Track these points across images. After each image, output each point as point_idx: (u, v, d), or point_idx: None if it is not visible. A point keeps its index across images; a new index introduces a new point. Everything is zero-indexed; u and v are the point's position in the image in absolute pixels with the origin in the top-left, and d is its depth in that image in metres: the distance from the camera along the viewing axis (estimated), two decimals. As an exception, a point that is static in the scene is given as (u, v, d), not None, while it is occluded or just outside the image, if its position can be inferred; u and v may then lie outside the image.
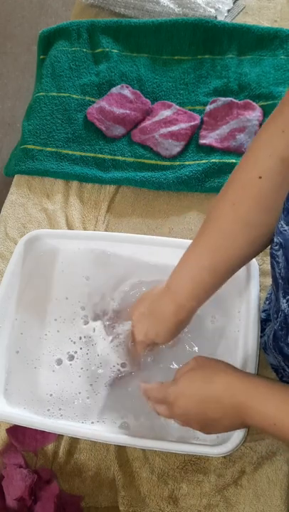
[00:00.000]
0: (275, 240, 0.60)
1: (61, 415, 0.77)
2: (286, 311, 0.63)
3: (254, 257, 0.69)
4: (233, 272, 0.69)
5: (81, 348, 0.83)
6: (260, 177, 0.60)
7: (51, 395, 0.79)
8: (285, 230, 0.58)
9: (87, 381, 0.80)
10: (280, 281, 0.63)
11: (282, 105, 0.60)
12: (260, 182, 0.60)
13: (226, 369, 0.62)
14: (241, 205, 0.63)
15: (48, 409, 0.78)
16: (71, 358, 0.82)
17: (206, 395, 0.61)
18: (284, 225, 0.58)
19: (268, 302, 0.83)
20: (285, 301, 0.63)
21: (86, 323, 0.85)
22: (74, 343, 0.84)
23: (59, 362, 0.82)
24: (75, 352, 0.83)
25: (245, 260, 0.68)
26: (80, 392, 0.79)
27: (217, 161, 1.01)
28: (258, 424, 0.58)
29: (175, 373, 0.68)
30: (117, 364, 0.78)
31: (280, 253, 0.60)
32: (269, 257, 0.65)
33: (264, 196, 0.61)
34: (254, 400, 0.57)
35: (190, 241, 0.70)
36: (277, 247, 0.61)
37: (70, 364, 0.82)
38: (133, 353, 0.77)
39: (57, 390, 0.80)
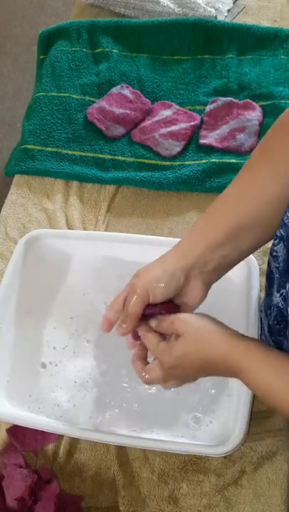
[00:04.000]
0: (277, 233, 0.60)
1: (61, 416, 0.77)
2: (280, 304, 0.63)
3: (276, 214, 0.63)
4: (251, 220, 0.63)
5: (81, 346, 0.83)
6: None
7: (51, 394, 0.80)
8: None
9: (88, 380, 0.80)
10: (277, 275, 0.63)
11: None
12: None
13: (219, 339, 0.61)
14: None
15: (48, 409, 0.78)
16: (71, 357, 0.82)
17: (204, 366, 0.62)
18: None
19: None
20: (278, 295, 0.63)
21: (82, 319, 0.85)
22: (74, 341, 0.84)
23: (59, 361, 0.82)
24: (75, 351, 0.83)
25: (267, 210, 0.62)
26: (79, 391, 0.79)
27: (217, 160, 1.01)
28: (252, 390, 0.62)
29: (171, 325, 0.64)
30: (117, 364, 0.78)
31: (279, 247, 0.60)
32: (268, 256, 0.65)
33: None
34: (248, 370, 0.58)
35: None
36: (277, 241, 0.61)
37: (70, 363, 0.82)
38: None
39: (57, 389, 0.80)
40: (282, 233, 0.59)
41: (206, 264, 0.64)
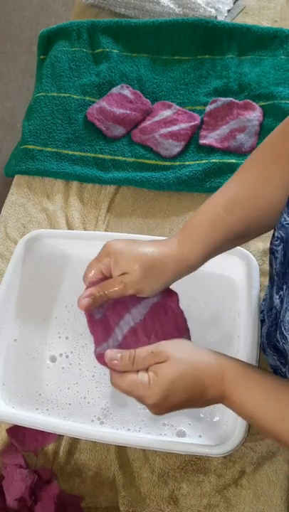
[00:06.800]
0: (276, 234, 0.61)
1: (64, 417, 0.77)
2: (278, 307, 0.63)
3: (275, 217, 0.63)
4: (253, 217, 0.62)
5: (83, 347, 0.83)
6: None
7: (50, 394, 0.80)
8: (288, 224, 0.58)
9: (88, 380, 0.80)
10: (275, 277, 0.63)
11: None
12: None
13: (203, 372, 0.58)
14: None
15: (47, 409, 0.78)
16: (72, 357, 0.82)
17: (194, 392, 0.58)
18: (287, 218, 0.58)
19: (264, 303, 0.83)
20: (277, 296, 0.63)
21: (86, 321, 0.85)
22: (74, 341, 0.84)
23: (59, 362, 0.82)
24: (76, 351, 0.83)
25: (268, 209, 0.62)
26: (79, 392, 0.79)
27: (217, 161, 1.02)
28: (237, 413, 0.60)
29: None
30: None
31: (279, 248, 0.60)
32: (269, 255, 0.65)
33: None
34: (234, 394, 0.57)
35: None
36: (277, 242, 0.61)
37: (70, 364, 0.82)
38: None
39: (56, 389, 0.80)
40: (282, 234, 0.59)
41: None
